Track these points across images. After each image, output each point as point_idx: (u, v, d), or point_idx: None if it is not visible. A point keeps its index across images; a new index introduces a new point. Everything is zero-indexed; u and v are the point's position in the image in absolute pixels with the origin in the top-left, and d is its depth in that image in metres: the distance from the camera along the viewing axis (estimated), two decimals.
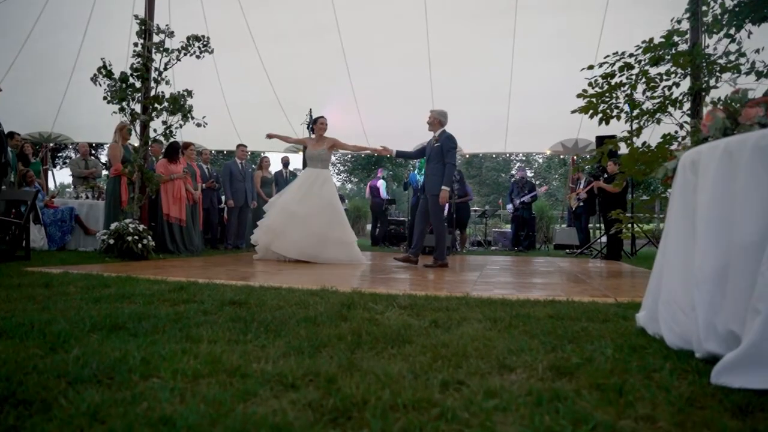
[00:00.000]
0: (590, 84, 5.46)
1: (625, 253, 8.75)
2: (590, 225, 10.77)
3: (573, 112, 5.89)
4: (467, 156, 17.37)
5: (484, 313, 2.68)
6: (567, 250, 10.44)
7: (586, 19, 9.69)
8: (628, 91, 5.46)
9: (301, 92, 10.93)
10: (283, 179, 10.48)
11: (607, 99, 5.49)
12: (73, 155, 21.36)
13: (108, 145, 7.16)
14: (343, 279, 4.54)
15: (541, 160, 44.26)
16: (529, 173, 36.63)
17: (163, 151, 7.64)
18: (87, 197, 8.09)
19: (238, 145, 9.26)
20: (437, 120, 6.21)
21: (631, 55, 5.28)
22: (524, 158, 47.66)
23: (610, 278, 5.08)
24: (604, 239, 9.05)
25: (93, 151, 18.42)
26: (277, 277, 4.54)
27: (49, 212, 7.43)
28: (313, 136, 7.01)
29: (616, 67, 5.36)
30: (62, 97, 10.69)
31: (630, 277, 5.20)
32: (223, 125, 12.10)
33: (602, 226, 9.23)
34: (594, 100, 5.54)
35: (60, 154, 23.11)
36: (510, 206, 11.23)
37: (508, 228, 13.26)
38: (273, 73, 11.18)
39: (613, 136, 9.36)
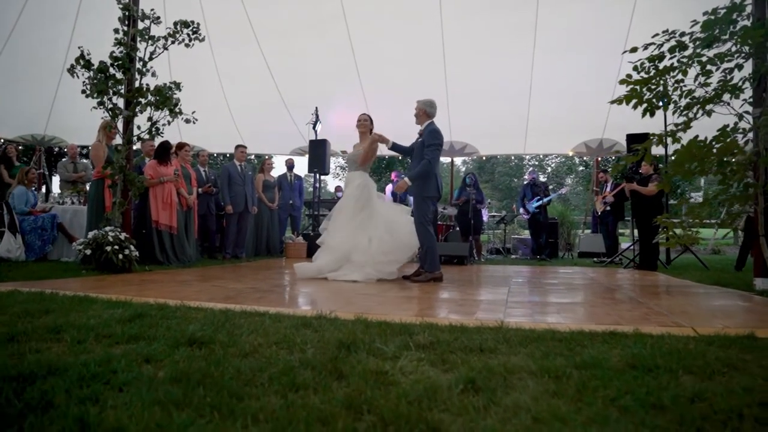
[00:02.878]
0: (635, 68, 4.69)
1: (661, 262, 7.93)
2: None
3: (612, 102, 5.12)
4: (483, 158, 16.61)
5: (535, 358, 1.94)
6: (594, 259, 9.62)
7: (614, 8, 8.91)
8: (678, 76, 4.69)
9: (307, 90, 10.26)
10: (287, 183, 9.81)
11: (654, 86, 4.72)
12: None
13: (91, 145, 6.47)
14: (347, 298, 3.81)
15: (554, 165, 43.29)
16: (542, 178, 35.74)
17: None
18: (72, 202, 7.45)
19: (237, 146, 8.57)
20: (422, 111, 5.45)
21: (683, 34, 4.51)
22: (537, 162, 46.88)
23: (664, 296, 4.29)
24: (631, 246, 8.27)
25: None
26: (269, 297, 3.82)
27: (29, 219, 6.79)
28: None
29: (665, 48, 4.60)
30: (54, 96, 10.05)
31: (688, 296, 4.40)
32: (225, 126, 11.48)
33: (634, 232, 8.43)
34: (638, 87, 4.77)
35: (64, 160, 22.55)
36: (522, 210, 10.40)
37: (527, 234, 12.45)
38: (276, 70, 10.51)
39: (647, 135, 8.61)
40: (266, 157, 10.72)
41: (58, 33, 9.01)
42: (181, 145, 7.52)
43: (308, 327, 2.50)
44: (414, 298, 3.86)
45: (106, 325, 2.37)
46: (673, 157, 4.77)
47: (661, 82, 4.68)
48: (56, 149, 17.19)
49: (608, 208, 9.71)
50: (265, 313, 2.90)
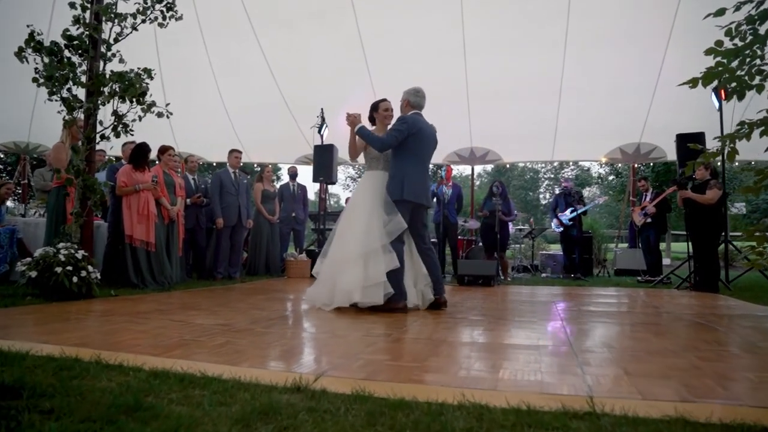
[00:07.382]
0: (728, 33, 3.59)
1: (723, 282, 6.76)
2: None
3: (683, 84, 4.01)
4: (507, 166, 15.50)
5: None
6: (638, 278, 8.43)
7: None
8: None
9: (311, 89, 9.28)
10: (289, 193, 8.80)
11: (750, 57, 3.61)
12: None
13: (52, 146, 5.50)
14: (347, 347, 2.73)
15: (570, 176, 41.95)
16: (557, 190, 34.42)
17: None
18: (39, 214, 6.49)
19: (231, 151, 7.56)
20: (406, 101, 4.44)
21: None
22: (553, 175, 45.60)
23: None
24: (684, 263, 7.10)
25: None
26: (236, 343, 2.73)
27: None
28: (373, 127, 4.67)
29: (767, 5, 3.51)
30: (34, 98, 9.10)
31: None
32: (223, 133, 10.53)
33: (689, 246, 7.25)
34: (725, 60, 3.67)
35: (42, 168, 21.80)
36: (554, 222, 9.21)
37: (556, 249, 11.26)
38: (277, 66, 9.55)
39: (701, 134, 7.48)
40: (267, 165, 9.76)
41: (31, 23, 8.12)
42: (164, 149, 6.52)
43: (270, 421, 1.43)
44: (441, 344, 2.76)
45: None
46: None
47: (759, 53, 3.58)
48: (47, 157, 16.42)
49: (649, 220, 8.57)
50: (214, 380, 1.84)
